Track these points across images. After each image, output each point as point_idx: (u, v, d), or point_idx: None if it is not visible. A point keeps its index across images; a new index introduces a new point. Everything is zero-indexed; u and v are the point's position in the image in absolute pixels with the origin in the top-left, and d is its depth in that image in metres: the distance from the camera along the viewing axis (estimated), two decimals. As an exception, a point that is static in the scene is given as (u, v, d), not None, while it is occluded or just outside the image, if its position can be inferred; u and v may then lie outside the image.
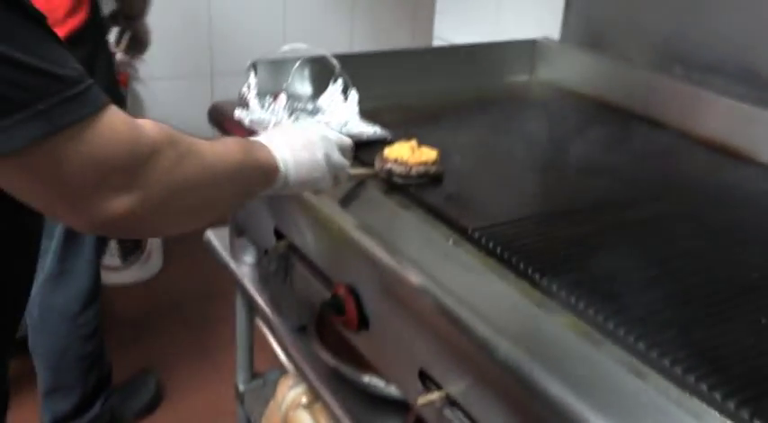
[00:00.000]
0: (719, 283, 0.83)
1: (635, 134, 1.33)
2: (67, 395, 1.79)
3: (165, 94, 2.50)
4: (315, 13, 2.78)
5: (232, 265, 1.35)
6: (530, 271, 0.82)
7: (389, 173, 1.04)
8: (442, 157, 1.06)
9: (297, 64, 1.25)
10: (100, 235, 0.61)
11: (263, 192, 0.85)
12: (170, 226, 0.70)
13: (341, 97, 1.22)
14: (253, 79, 1.21)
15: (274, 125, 1.14)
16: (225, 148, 0.77)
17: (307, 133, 0.91)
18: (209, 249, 1.43)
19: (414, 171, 1.04)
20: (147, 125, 0.64)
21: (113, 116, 0.60)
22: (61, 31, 1.40)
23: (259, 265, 1.32)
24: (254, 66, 1.22)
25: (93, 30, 1.56)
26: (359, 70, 1.25)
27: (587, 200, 1.04)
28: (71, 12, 1.49)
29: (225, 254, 1.37)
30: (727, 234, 0.96)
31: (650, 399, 0.65)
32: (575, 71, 1.56)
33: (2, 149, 0.54)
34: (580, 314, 0.76)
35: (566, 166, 1.16)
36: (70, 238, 1.68)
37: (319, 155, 0.89)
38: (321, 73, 1.26)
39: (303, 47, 1.24)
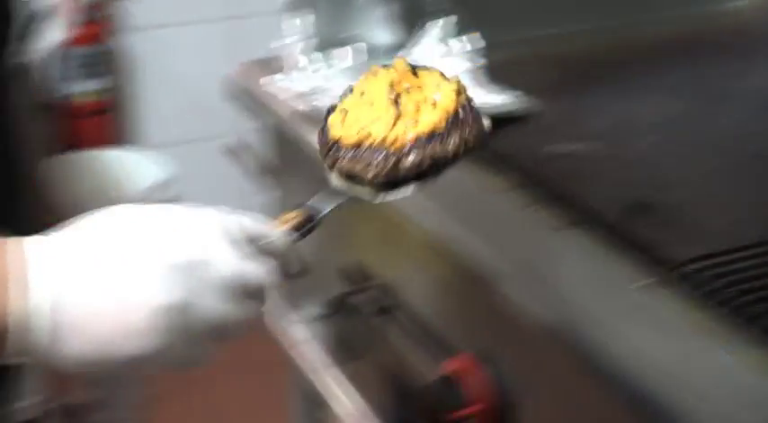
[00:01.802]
0: None
1: None
2: None
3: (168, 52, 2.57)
4: None
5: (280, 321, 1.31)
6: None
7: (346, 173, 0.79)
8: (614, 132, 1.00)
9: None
10: None
11: None
12: None
13: (448, 46, 1.18)
14: (296, 23, 1.19)
15: (332, 101, 1.03)
16: None
17: (139, 229, 0.67)
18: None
19: (409, 160, 0.78)
20: None
21: None
22: None
23: (320, 323, 1.27)
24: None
25: None
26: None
27: None
28: None
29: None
30: None
31: None
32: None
33: None
34: None
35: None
36: None
37: (157, 286, 0.65)
38: (413, 8, 1.24)
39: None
